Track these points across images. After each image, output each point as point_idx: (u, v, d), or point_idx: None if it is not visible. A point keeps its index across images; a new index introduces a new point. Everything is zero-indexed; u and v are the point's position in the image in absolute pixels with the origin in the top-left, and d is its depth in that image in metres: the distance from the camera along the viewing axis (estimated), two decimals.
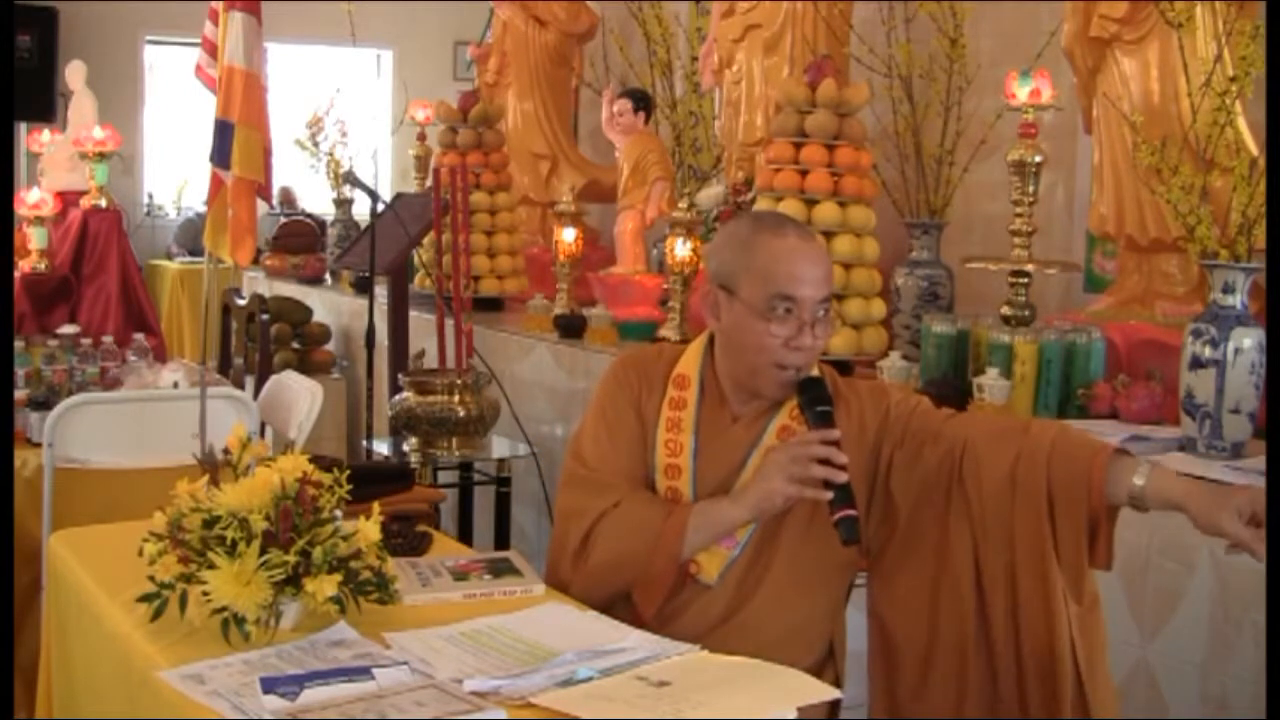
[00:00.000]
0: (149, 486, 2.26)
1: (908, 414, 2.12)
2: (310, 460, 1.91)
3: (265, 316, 4.15)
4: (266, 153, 5.86)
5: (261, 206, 6.58)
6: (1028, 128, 3.52)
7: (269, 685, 1.60)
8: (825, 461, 1.98)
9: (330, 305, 6.36)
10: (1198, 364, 2.93)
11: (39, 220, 5.14)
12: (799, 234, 2.10)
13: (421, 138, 6.93)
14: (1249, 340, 2.89)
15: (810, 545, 2.10)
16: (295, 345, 6.00)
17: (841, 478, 1.98)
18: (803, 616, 2.15)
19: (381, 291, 4.61)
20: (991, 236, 4.30)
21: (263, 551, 1.76)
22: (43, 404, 3.31)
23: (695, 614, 2.10)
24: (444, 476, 4.03)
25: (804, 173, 3.89)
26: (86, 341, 3.81)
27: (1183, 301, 3.54)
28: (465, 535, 4.14)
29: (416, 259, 5.14)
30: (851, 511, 1.97)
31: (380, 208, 4.31)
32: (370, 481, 2.29)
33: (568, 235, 4.83)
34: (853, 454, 2.05)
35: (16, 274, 5.04)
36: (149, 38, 9.85)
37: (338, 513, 1.85)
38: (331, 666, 1.68)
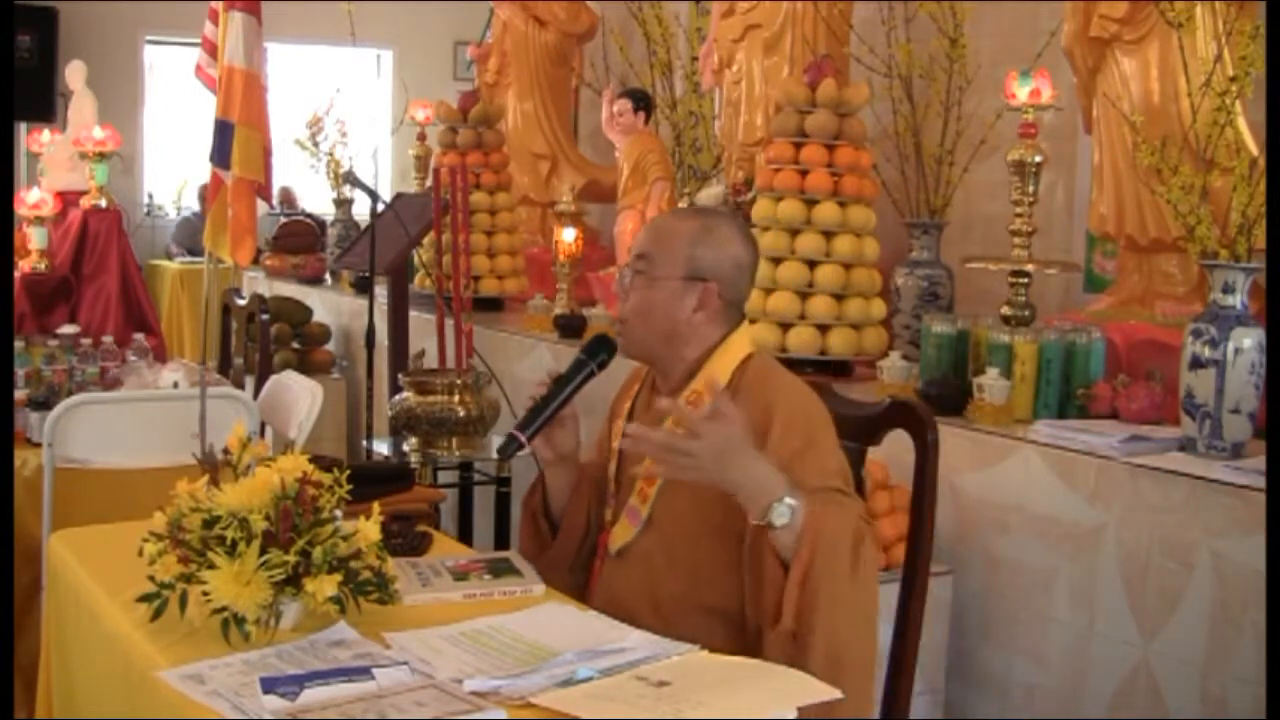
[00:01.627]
0: (149, 486, 2.26)
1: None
2: (310, 460, 1.91)
3: (265, 316, 4.14)
4: (266, 153, 5.87)
5: (261, 206, 6.58)
6: (1028, 128, 3.52)
7: (269, 685, 1.60)
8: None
9: (330, 305, 6.36)
10: (1198, 364, 2.93)
11: (39, 220, 5.14)
12: (671, 212, 2.15)
13: (421, 138, 6.93)
14: (1249, 340, 2.89)
15: (703, 526, 2.09)
16: (295, 345, 6.00)
17: (528, 402, 2.17)
18: (720, 597, 2.08)
19: (381, 291, 4.61)
20: (991, 236, 4.30)
21: (263, 551, 1.76)
22: (43, 404, 3.31)
23: (608, 584, 2.17)
24: (444, 476, 4.03)
25: (804, 173, 3.89)
26: (86, 341, 3.80)
27: (1183, 301, 3.54)
28: (465, 535, 4.14)
29: (416, 259, 5.14)
30: (517, 432, 2.13)
31: (380, 208, 4.31)
32: (370, 481, 2.29)
33: (568, 235, 4.83)
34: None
35: (16, 274, 5.04)
36: (149, 38, 9.85)
37: (338, 513, 1.85)
38: (331, 666, 1.68)
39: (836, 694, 1.70)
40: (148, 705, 1.70)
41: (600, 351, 2.21)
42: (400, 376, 3.93)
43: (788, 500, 1.90)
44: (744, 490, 1.92)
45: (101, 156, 5.46)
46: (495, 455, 2.10)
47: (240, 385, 4.03)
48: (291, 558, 1.77)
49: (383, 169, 9.32)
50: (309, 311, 6.18)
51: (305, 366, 5.62)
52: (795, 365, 3.45)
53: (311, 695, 1.58)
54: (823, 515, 1.92)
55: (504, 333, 4.93)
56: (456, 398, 3.78)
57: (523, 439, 2.13)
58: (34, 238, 5.15)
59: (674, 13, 5.30)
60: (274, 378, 3.71)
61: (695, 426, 1.89)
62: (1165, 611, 2.77)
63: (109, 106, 6.52)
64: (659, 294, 2.14)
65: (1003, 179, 3.68)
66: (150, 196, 10.02)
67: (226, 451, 1.97)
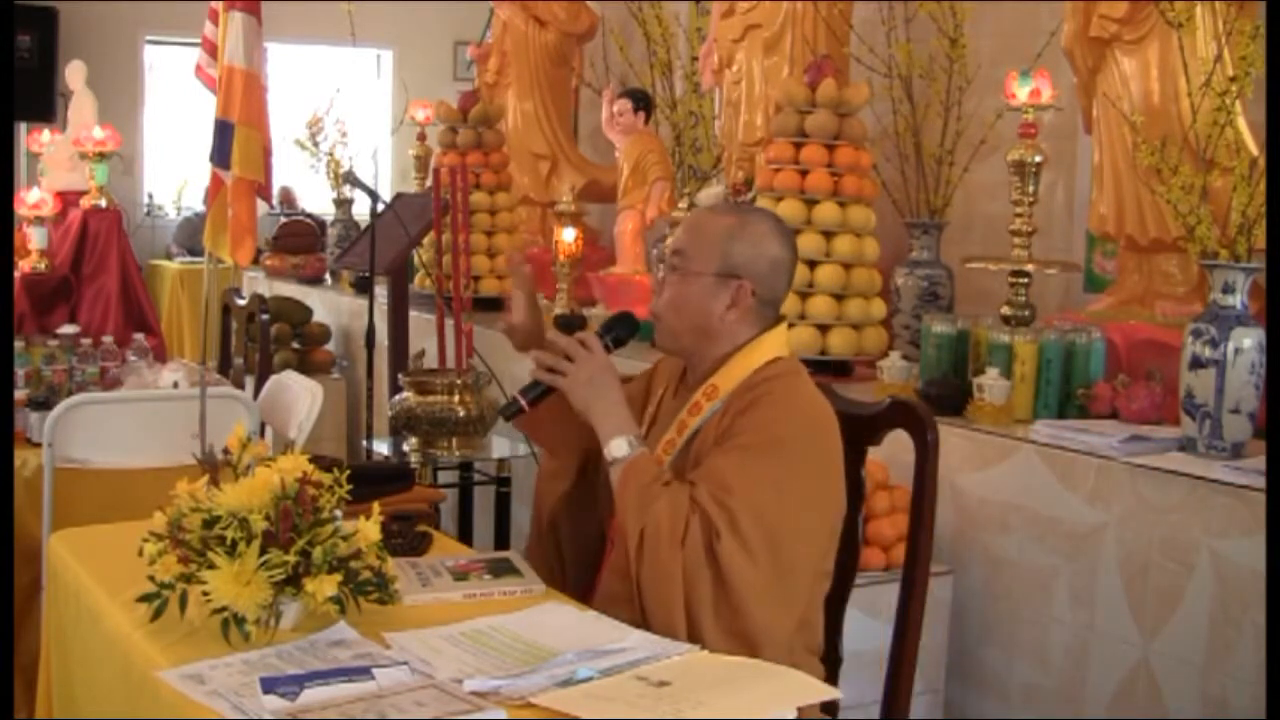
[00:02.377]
0: (149, 486, 2.26)
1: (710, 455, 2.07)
2: (310, 460, 1.90)
3: (265, 316, 4.13)
4: (266, 153, 5.86)
5: (261, 206, 6.58)
6: (1028, 128, 3.52)
7: (269, 685, 1.60)
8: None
9: (330, 305, 6.36)
10: (1198, 364, 2.93)
11: (39, 220, 5.14)
12: (710, 207, 2.14)
13: (421, 138, 6.93)
14: (1249, 340, 2.89)
15: None
16: (295, 345, 6.00)
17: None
18: None
19: (381, 291, 4.61)
20: (991, 236, 4.30)
21: (263, 551, 1.76)
22: (43, 404, 3.31)
23: (617, 567, 2.12)
24: (444, 476, 4.03)
25: (804, 173, 3.89)
26: (86, 341, 3.80)
27: (1183, 301, 3.54)
28: (465, 535, 4.14)
29: (416, 259, 5.14)
30: (519, 396, 2.15)
31: (380, 208, 4.31)
32: (370, 481, 2.29)
33: (568, 235, 4.83)
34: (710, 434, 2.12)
35: (16, 274, 5.04)
36: (149, 38, 9.85)
37: (338, 513, 1.85)
38: (331, 666, 1.68)
39: (836, 694, 1.70)
40: (148, 705, 1.70)
41: (615, 328, 2.19)
42: (400, 376, 3.92)
43: (621, 440, 2.05)
44: (600, 421, 2.07)
45: (101, 156, 5.46)
46: (498, 411, 2.15)
47: (240, 385, 4.03)
48: (291, 558, 1.77)
49: (383, 169, 9.32)
50: (309, 311, 6.18)
51: (305, 366, 5.62)
52: None
53: (311, 695, 1.58)
54: (641, 466, 2.02)
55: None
56: (456, 398, 3.78)
57: (524, 403, 2.14)
58: (34, 238, 5.15)
59: (674, 13, 5.30)
60: (274, 378, 3.71)
61: (573, 352, 2.08)
62: (1165, 611, 2.77)
63: (109, 106, 6.52)
64: (692, 289, 2.14)
65: (1003, 179, 3.68)
66: (150, 196, 10.02)
67: (226, 451, 1.97)
